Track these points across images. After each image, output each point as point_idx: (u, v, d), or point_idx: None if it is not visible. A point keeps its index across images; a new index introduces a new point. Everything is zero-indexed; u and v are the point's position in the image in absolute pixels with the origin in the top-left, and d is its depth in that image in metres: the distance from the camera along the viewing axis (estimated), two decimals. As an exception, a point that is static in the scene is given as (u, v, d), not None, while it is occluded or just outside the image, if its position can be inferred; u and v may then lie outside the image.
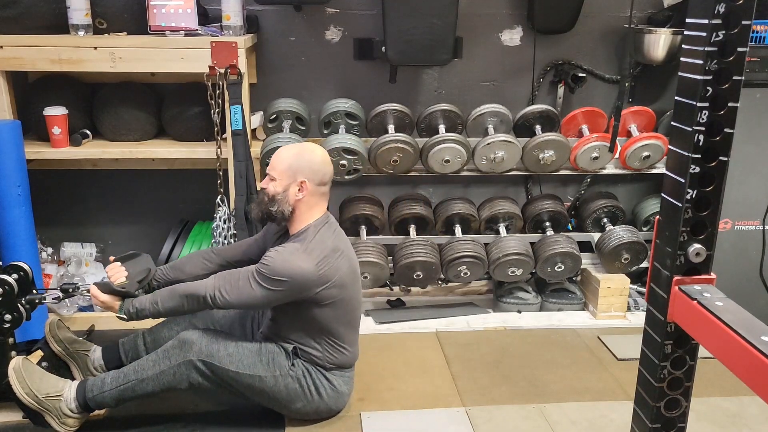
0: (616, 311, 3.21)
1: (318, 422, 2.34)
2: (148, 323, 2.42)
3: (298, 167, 2.22)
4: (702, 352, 1.20)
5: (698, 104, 1.10)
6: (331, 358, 2.29)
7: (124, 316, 2.20)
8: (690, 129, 1.12)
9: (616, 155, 3.22)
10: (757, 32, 2.94)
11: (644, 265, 3.26)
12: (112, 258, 2.36)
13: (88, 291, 2.24)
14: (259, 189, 2.26)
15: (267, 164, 2.91)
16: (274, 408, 2.30)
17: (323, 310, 2.22)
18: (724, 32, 1.06)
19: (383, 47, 3.00)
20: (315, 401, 2.28)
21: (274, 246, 2.28)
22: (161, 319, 2.49)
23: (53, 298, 2.35)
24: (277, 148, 2.86)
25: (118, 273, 2.27)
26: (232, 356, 2.18)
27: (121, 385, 2.18)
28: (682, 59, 1.14)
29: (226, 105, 2.77)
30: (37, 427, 2.17)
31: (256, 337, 2.44)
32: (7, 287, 2.20)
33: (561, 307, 3.29)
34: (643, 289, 3.32)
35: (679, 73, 1.15)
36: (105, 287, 2.21)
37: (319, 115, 3.14)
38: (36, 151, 2.86)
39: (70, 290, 2.31)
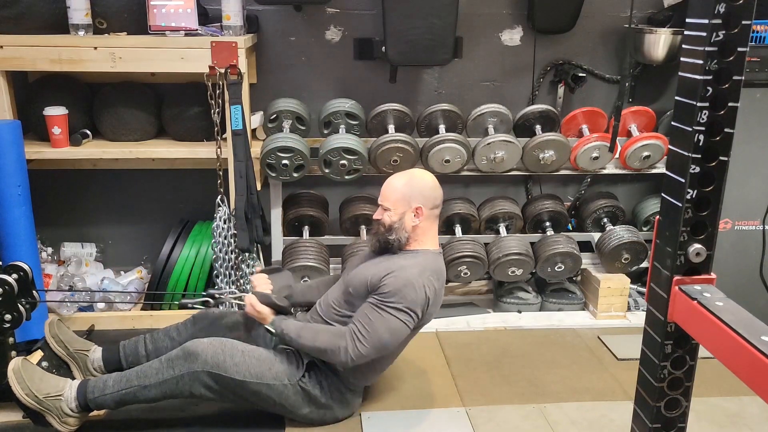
0: (616, 311, 3.22)
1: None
2: (148, 325, 2.42)
3: (411, 194, 2.27)
4: (702, 352, 1.20)
5: (698, 104, 1.10)
6: (359, 375, 2.30)
7: (272, 330, 2.26)
8: (690, 129, 1.12)
9: (616, 155, 3.22)
10: (757, 32, 2.94)
11: (644, 265, 3.27)
12: (258, 269, 2.49)
13: (239, 298, 2.34)
14: (373, 221, 2.37)
15: (268, 164, 2.94)
16: (279, 413, 2.30)
17: None
18: (724, 32, 1.06)
19: (383, 47, 3.00)
20: (322, 410, 2.29)
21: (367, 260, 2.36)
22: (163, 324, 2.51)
23: (202, 303, 2.45)
24: (277, 147, 2.91)
25: (264, 285, 2.37)
26: (239, 366, 2.17)
27: (123, 389, 2.18)
28: (682, 59, 1.13)
29: (226, 105, 2.77)
30: (37, 427, 2.17)
31: (261, 341, 2.43)
32: (7, 287, 2.20)
33: (561, 307, 3.29)
34: (643, 289, 3.32)
35: (679, 73, 1.14)
36: (264, 298, 2.29)
37: (319, 115, 3.14)
38: (36, 151, 2.86)
39: (216, 296, 2.43)
